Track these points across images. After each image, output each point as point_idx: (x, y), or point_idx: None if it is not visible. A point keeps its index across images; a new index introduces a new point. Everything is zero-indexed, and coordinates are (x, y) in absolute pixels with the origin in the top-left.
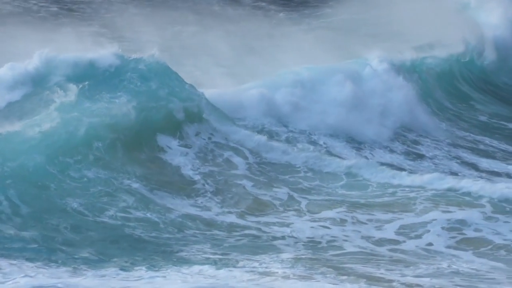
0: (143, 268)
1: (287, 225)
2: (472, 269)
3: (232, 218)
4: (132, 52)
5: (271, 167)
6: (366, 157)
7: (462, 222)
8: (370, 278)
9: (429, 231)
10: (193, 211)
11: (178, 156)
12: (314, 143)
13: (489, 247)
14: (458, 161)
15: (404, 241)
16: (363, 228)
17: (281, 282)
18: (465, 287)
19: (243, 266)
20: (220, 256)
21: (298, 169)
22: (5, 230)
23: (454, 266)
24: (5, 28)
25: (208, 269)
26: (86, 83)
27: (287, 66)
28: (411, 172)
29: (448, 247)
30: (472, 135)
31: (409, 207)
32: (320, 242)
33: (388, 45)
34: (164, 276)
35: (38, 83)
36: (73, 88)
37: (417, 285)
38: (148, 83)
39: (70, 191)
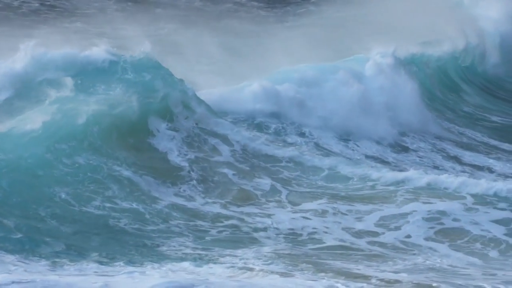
0: (122, 263)
1: (269, 216)
2: (449, 265)
3: (216, 208)
4: (116, 48)
5: (256, 157)
6: (352, 149)
7: (442, 213)
8: (348, 275)
9: (408, 222)
10: (179, 200)
11: (166, 142)
12: (303, 135)
13: (466, 239)
14: (443, 154)
15: (383, 233)
16: (343, 220)
17: (260, 278)
18: (441, 283)
19: (223, 262)
20: (201, 252)
21: (281, 160)
22: None
23: (428, 262)
24: None
25: (188, 265)
26: (79, 77)
27: (276, 63)
28: (396, 165)
29: (426, 239)
30: (457, 126)
31: (390, 199)
32: (301, 235)
33: (379, 41)
34: (144, 272)
35: (26, 81)
36: (67, 82)
37: (396, 281)
38: (142, 75)
39: (60, 179)
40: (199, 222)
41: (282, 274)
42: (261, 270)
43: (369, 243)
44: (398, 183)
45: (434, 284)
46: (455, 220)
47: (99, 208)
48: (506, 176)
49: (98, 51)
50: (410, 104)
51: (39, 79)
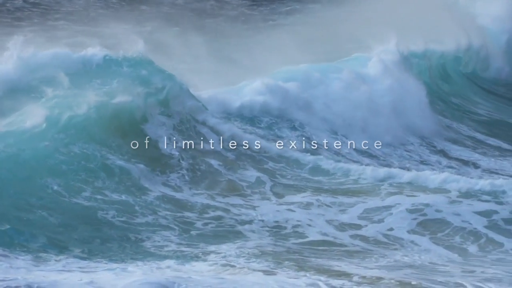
0: (104, 260)
1: (254, 208)
2: (429, 262)
3: (202, 199)
4: (104, 45)
5: (244, 150)
6: (340, 142)
7: (426, 205)
8: (330, 273)
9: (391, 214)
10: (167, 190)
11: (158, 131)
12: (294, 129)
13: (446, 231)
14: (432, 148)
15: (366, 226)
16: (327, 212)
17: (243, 275)
18: (421, 281)
19: (207, 260)
20: (185, 248)
21: (269, 153)
22: None
23: (409, 258)
24: None
25: (171, 262)
26: (75, 76)
27: (265, 62)
28: (383, 159)
29: (409, 231)
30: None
31: (374, 193)
32: (285, 228)
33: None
34: (125, 268)
35: (18, 81)
36: (63, 79)
37: (377, 278)
38: (138, 71)
39: (54, 168)
40: (186, 214)
41: (265, 272)
42: (244, 267)
43: (351, 236)
44: (383, 179)
45: (414, 282)
46: (437, 211)
47: (89, 200)
48: (490, 172)
49: (93, 50)
50: (417, 105)
51: (35, 77)
